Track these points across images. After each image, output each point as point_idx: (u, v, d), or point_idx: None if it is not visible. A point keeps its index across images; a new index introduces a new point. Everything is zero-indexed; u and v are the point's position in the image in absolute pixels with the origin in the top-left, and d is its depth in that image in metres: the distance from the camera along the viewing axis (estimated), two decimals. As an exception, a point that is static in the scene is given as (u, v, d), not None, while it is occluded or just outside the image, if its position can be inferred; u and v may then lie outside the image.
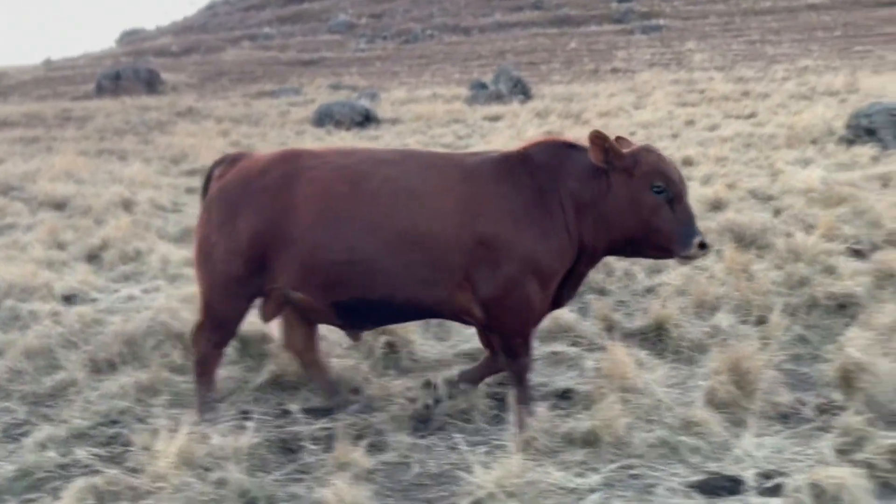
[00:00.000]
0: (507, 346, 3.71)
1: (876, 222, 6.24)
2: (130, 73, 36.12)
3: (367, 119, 19.33)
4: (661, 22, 37.13)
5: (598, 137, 3.57)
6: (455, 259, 3.56)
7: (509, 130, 15.71)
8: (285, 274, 3.67)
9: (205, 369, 3.86)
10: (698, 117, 16.27)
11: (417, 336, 4.59)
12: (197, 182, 11.60)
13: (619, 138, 3.83)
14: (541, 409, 3.62)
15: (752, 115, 16.26)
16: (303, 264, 3.63)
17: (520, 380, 3.72)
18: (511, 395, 3.66)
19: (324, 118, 19.36)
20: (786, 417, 3.52)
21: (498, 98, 21.98)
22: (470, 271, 3.56)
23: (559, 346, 4.47)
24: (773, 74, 24.84)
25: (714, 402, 3.54)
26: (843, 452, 3.11)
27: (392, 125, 18.93)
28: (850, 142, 11.21)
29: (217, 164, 4.03)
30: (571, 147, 3.78)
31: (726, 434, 3.33)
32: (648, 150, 3.69)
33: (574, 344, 4.51)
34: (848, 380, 3.56)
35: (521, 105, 20.39)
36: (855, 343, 3.82)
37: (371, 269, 3.57)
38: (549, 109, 19.01)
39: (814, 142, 11.83)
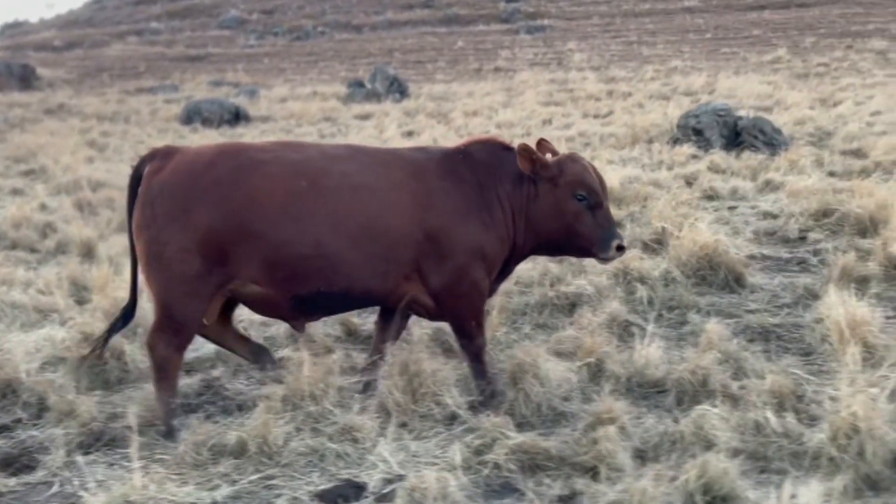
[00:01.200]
0: (463, 330, 3.86)
1: (649, 223, 6.63)
2: (2, 67, 34.40)
3: (236, 117, 19.10)
4: (546, 22, 38.10)
5: (525, 150, 3.79)
6: (406, 251, 3.71)
7: (373, 130, 15.86)
8: (246, 269, 3.63)
9: (166, 374, 3.70)
10: (557, 117, 16.85)
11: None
12: (29, 181, 11.25)
13: (541, 141, 4.08)
14: (196, 420, 3.56)
15: (608, 115, 16.96)
16: (266, 259, 3.61)
17: (478, 358, 3.84)
18: (470, 372, 3.81)
19: (192, 116, 19.00)
20: (453, 419, 3.52)
21: (374, 97, 22.10)
22: (419, 263, 3.74)
23: (286, 352, 4.39)
24: (643, 75, 25.91)
25: (385, 407, 3.52)
26: (478, 453, 3.15)
27: (262, 123, 18.78)
28: (676, 141, 11.88)
29: (146, 160, 3.83)
30: (507, 149, 3.97)
31: (379, 440, 3.31)
32: (573, 160, 3.93)
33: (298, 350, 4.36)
34: (514, 380, 3.68)
35: (394, 104, 20.56)
36: (526, 345, 4.09)
37: (335, 262, 3.63)
38: (419, 109, 19.26)
39: (649, 141, 12.46)
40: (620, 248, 3.85)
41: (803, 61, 27.58)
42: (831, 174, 9.37)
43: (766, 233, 6.75)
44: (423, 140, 14.26)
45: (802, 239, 6.52)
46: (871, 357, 3.66)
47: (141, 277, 3.77)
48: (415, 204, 3.73)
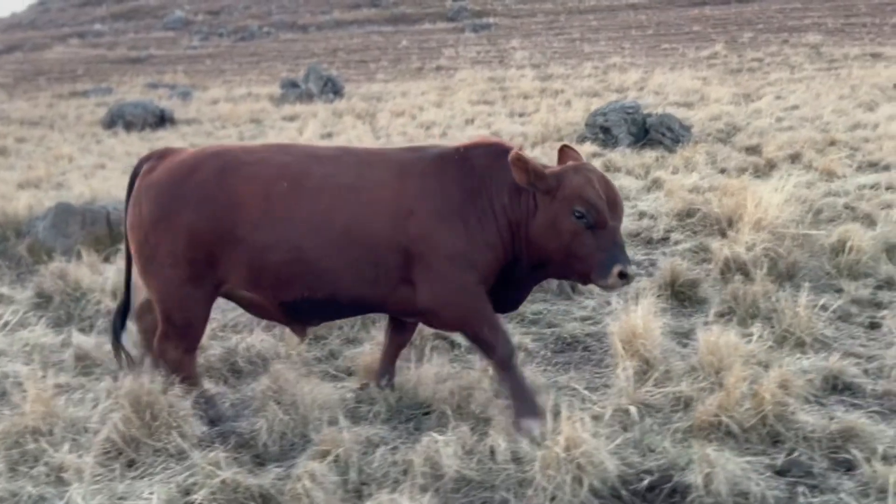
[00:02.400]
0: (477, 339, 3.53)
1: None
2: (-65, 72, 33.49)
3: (161, 120, 18.76)
4: (491, 20, 38.10)
5: (518, 160, 3.38)
6: (392, 255, 3.45)
7: (295, 132, 15.67)
8: (234, 274, 3.52)
9: (186, 375, 3.59)
10: (482, 116, 16.81)
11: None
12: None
13: (564, 148, 3.74)
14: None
15: (533, 113, 16.97)
16: (251, 265, 3.48)
17: (507, 372, 3.45)
18: (505, 393, 3.44)
19: (115, 119, 18.64)
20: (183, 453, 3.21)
21: (308, 97, 21.87)
22: (409, 270, 3.46)
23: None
24: (580, 72, 26.02)
25: (116, 442, 3.21)
26: (186, 492, 2.90)
27: (187, 126, 18.46)
28: (583, 139, 11.91)
29: (143, 160, 3.80)
30: (507, 154, 3.51)
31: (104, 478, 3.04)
32: (576, 171, 3.49)
33: (86, 374, 4.26)
34: (264, 404, 3.50)
35: (326, 105, 20.36)
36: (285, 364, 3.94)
37: (316, 268, 3.45)
38: (349, 109, 19.10)
39: (560, 139, 12.47)
40: (623, 276, 3.37)
41: (739, 56, 27.90)
42: (722, 171, 9.45)
43: (632, 234, 6.74)
44: (340, 141, 14.13)
45: (665, 240, 6.53)
46: (648, 370, 3.63)
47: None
48: (396, 206, 3.48)
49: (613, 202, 3.44)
